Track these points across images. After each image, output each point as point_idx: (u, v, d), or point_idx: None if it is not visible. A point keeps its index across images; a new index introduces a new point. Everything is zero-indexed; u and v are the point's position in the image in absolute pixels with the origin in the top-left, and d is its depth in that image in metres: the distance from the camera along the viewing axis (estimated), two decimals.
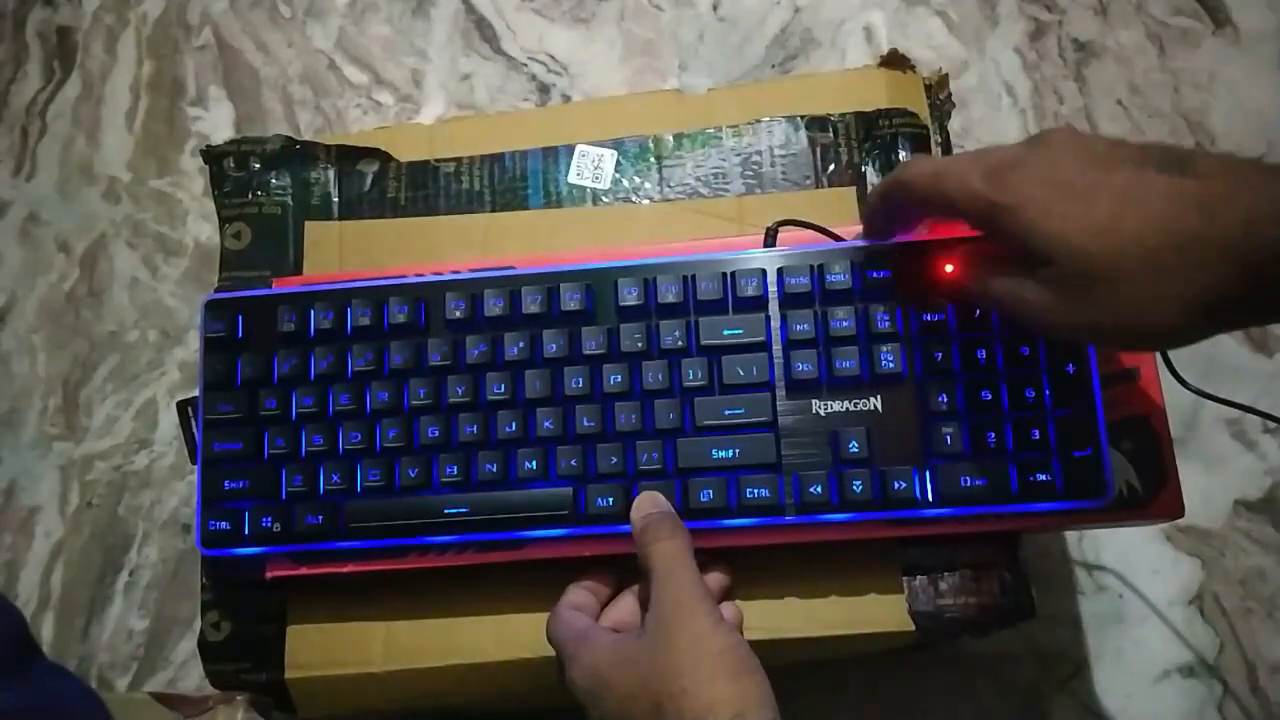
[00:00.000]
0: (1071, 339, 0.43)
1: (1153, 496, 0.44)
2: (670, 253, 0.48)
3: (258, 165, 0.55)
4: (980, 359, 0.43)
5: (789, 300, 0.45)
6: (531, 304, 0.46)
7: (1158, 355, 0.46)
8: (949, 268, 0.43)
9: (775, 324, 0.45)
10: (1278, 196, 0.29)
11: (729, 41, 0.73)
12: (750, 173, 0.53)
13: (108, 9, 0.79)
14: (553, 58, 0.74)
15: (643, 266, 0.46)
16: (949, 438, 0.43)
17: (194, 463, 0.48)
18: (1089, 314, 0.33)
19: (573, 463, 0.45)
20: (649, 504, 0.43)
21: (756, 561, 0.46)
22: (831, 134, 0.52)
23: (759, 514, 0.44)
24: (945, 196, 0.37)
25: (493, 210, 0.53)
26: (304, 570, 0.47)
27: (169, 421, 0.69)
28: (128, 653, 0.65)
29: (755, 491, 0.44)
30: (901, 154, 0.51)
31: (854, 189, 0.52)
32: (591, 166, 0.54)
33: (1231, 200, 0.30)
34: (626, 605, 0.44)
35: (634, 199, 0.53)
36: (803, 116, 0.53)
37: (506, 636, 0.47)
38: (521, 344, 0.46)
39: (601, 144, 0.54)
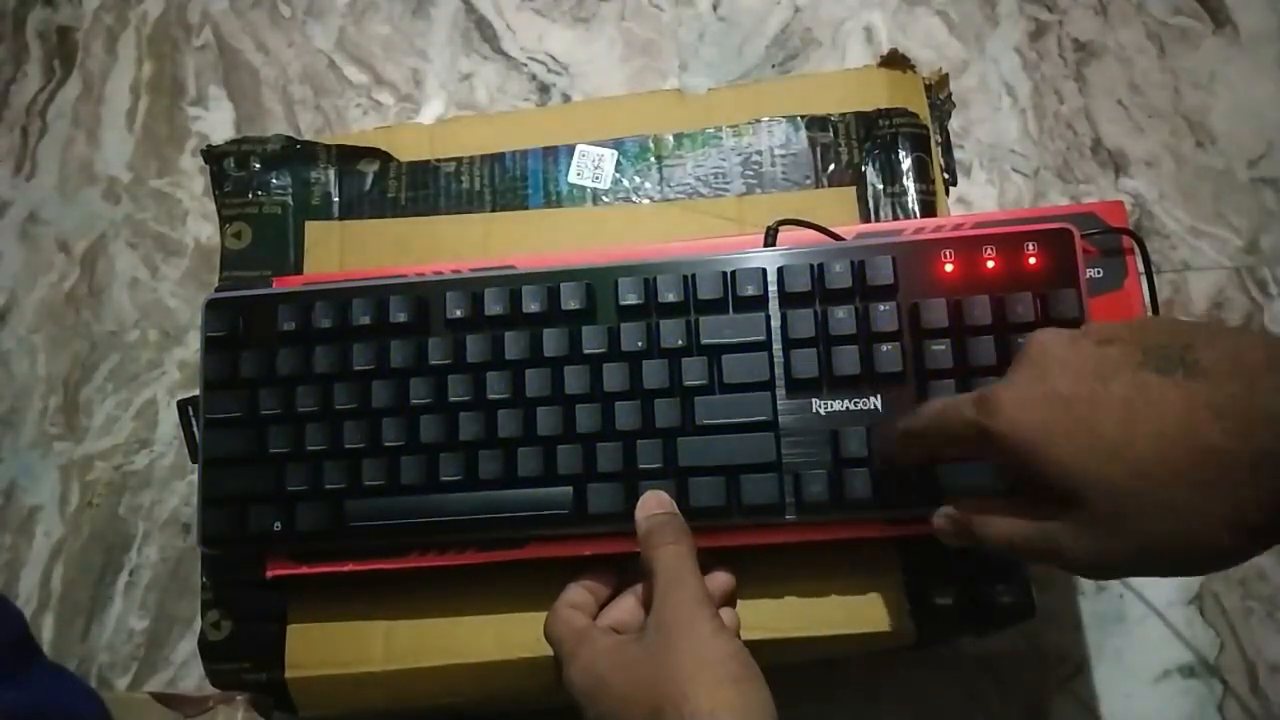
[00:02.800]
0: (1120, 578, 0.40)
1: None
2: (670, 252, 0.48)
3: (258, 165, 0.55)
4: (980, 358, 0.43)
5: (789, 300, 0.45)
6: (532, 303, 0.46)
7: None
8: (943, 524, 0.38)
9: (775, 323, 0.45)
10: None
11: (729, 41, 0.73)
12: (750, 172, 0.53)
13: (108, 9, 0.79)
14: (553, 58, 0.75)
15: (643, 266, 0.46)
16: None
17: (194, 462, 0.48)
18: (1135, 555, 0.29)
19: (573, 462, 0.45)
20: (655, 504, 0.43)
21: (756, 561, 0.46)
22: (831, 134, 0.52)
23: (759, 514, 0.44)
24: (947, 432, 0.35)
25: (493, 210, 0.53)
26: (304, 569, 0.47)
27: (169, 421, 0.69)
28: (128, 653, 0.65)
29: (755, 491, 0.44)
30: (901, 154, 0.51)
31: (854, 189, 0.52)
32: (592, 166, 0.54)
33: (1254, 406, 0.27)
34: (626, 605, 0.44)
35: (634, 199, 0.53)
36: (803, 116, 0.53)
37: (506, 636, 0.47)
38: (522, 343, 0.46)
39: (602, 144, 0.54)
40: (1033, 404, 0.31)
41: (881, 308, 0.44)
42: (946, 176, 0.53)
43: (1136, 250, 0.47)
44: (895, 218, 0.51)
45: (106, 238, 0.73)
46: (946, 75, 0.54)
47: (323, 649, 0.48)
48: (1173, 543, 0.29)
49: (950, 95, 0.54)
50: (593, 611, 0.44)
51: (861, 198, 0.51)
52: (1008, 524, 0.34)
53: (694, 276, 0.46)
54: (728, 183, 0.53)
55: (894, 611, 0.46)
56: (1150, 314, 0.33)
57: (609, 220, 0.53)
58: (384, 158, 0.54)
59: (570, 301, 0.46)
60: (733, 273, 0.46)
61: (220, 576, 0.49)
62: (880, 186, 0.51)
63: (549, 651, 0.43)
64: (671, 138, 0.54)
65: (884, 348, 0.44)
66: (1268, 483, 0.27)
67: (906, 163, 0.51)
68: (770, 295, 0.45)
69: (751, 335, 0.45)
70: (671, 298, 0.46)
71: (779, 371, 0.45)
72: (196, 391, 0.49)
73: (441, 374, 0.46)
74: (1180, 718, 0.59)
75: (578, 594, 0.44)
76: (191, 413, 0.49)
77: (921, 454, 0.40)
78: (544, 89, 0.74)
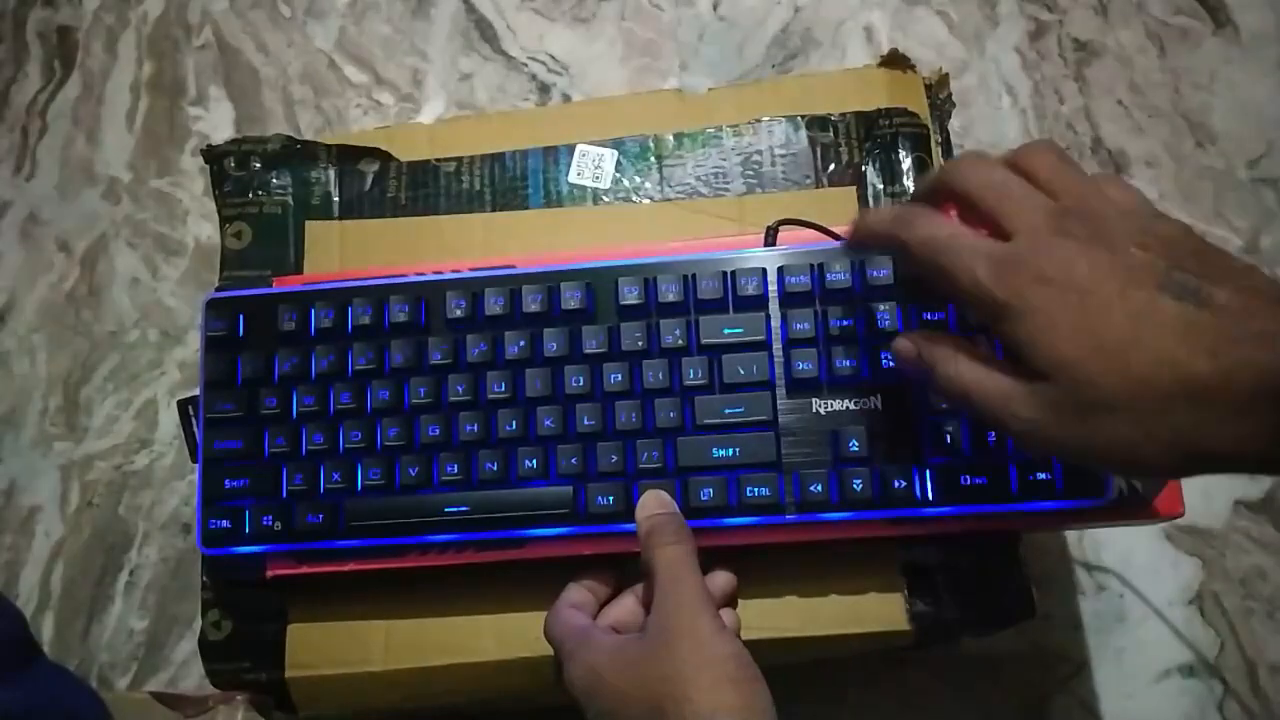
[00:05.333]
0: (1047, 455, 0.41)
1: (1153, 496, 0.44)
2: (670, 252, 0.48)
3: (258, 165, 0.55)
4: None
5: (789, 299, 0.45)
6: (532, 303, 0.46)
7: None
8: (906, 344, 0.38)
9: (775, 323, 0.45)
10: None
11: (729, 41, 0.73)
12: (750, 172, 0.53)
13: (108, 9, 0.79)
14: (553, 57, 0.75)
15: (643, 266, 0.46)
16: (949, 437, 0.43)
17: (194, 462, 0.48)
18: (1079, 440, 0.31)
19: (573, 461, 0.45)
20: (655, 504, 0.43)
21: (756, 561, 0.46)
22: (832, 134, 0.52)
23: (759, 513, 0.44)
24: (945, 276, 0.34)
25: (493, 210, 0.53)
26: (304, 569, 0.47)
27: (169, 421, 0.69)
28: (128, 652, 0.65)
29: (755, 490, 0.44)
30: (901, 153, 0.51)
31: (854, 189, 0.52)
32: (592, 166, 0.54)
33: (1246, 353, 0.28)
34: (626, 605, 0.44)
35: (634, 198, 0.53)
36: (803, 116, 0.53)
37: (506, 636, 0.47)
38: (522, 343, 0.46)
39: (602, 144, 0.54)
40: (1053, 289, 0.31)
41: (881, 307, 0.44)
42: None
43: None
44: None
45: (106, 238, 0.73)
46: (947, 75, 0.54)
47: (323, 649, 0.48)
48: (1121, 447, 0.30)
49: (950, 95, 0.54)
50: (593, 611, 0.44)
51: (862, 197, 0.51)
52: (971, 369, 0.34)
53: (694, 276, 0.46)
54: (728, 183, 0.53)
55: (894, 611, 0.46)
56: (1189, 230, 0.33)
57: (609, 220, 0.53)
58: (384, 157, 0.55)
59: (570, 301, 0.46)
60: (733, 273, 0.46)
61: (220, 576, 0.49)
62: (880, 186, 0.51)
63: (549, 651, 0.43)
64: (671, 138, 0.54)
65: (884, 348, 0.44)
66: (1234, 422, 0.29)
67: (907, 162, 0.51)
68: (770, 295, 0.45)
69: (751, 335, 0.45)
70: (671, 297, 0.46)
71: (779, 371, 0.45)
72: (196, 391, 0.49)
73: (441, 374, 0.46)
74: (1180, 718, 0.59)
75: (578, 594, 0.44)
76: (191, 413, 0.49)
77: (891, 249, 0.38)
78: (544, 89, 0.74)
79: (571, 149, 0.54)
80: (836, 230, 0.47)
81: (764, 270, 0.46)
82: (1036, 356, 0.31)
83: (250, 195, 0.54)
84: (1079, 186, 0.33)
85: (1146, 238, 0.32)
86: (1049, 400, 0.31)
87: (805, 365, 0.44)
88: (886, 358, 0.44)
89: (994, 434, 0.43)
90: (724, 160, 0.53)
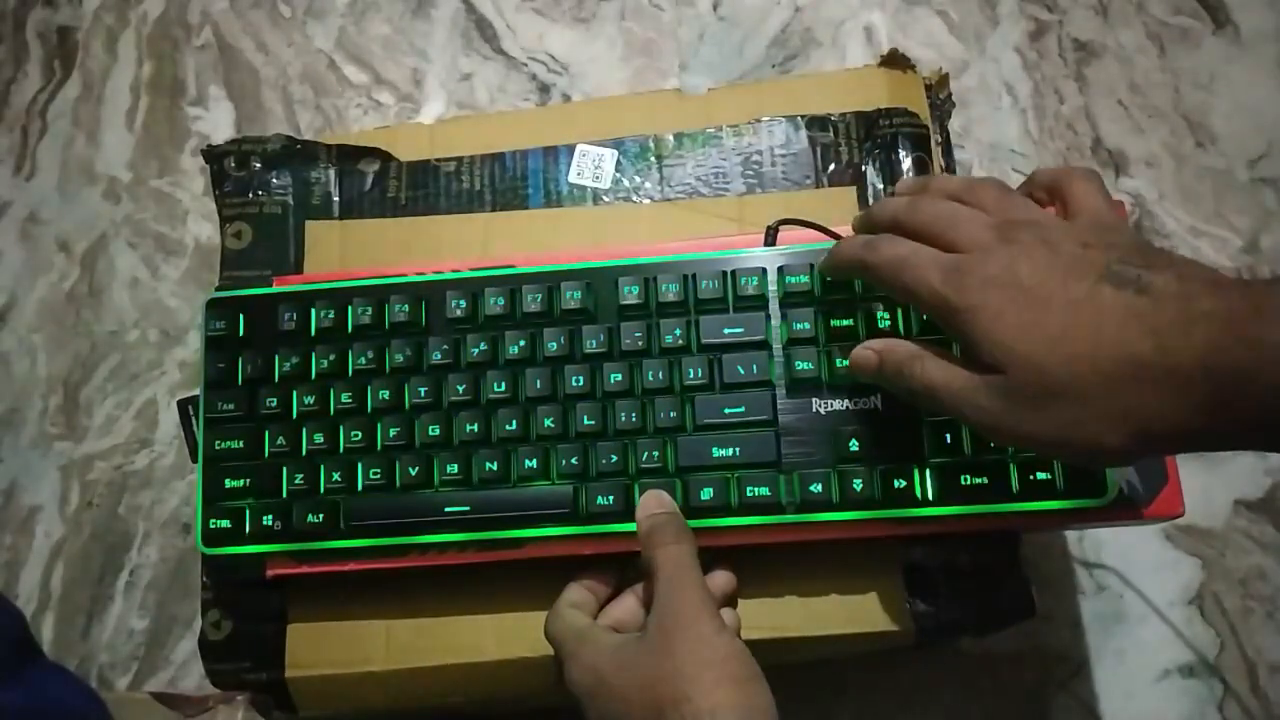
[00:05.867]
0: (1009, 445, 0.42)
1: (1153, 496, 0.44)
2: (670, 252, 0.48)
3: (258, 165, 0.55)
4: None
5: (789, 299, 0.45)
6: (532, 302, 0.46)
7: None
8: (867, 354, 0.39)
9: (775, 322, 0.45)
10: (1228, 335, 0.29)
11: (729, 41, 0.73)
12: (750, 172, 0.53)
13: (108, 9, 0.79)
14: (553, 57, 0.75)
15: (643, 265, 0.47)
16: (949, 436, 0.43)
17: (195, 462, 0.48)
18: (1034, 426, 0.33)
19: (573, 461, 0.45)
20: (655, 504, 0.43)
21: (756, 560, 0.46)
22: (832, 134, 0.52)
23: (759, 512, 0.44)
24: (905, 289, 0.36)
25: (493, 210, 0.53)
26: (304, 569, 0.47)
27: (169, 421, 0.69)
28: (128, 652, 0.65)
29: (755, 490, 0.44)
30: (901, 153, 0.51)
31: (854, 189, 0.52)
32: (592, 166, 0.54)
33: (1186, 331, 0.30)
34: (627, 605, 0.44)
35: (634, 198, 0.53)
36: (803, 116, 0.53)
37: (506, 636, 0.47)
38: (522, 342, 0.46)
39: (602, 143, 0.54)
40: (999, 288, 0.33)
41: (882, 307, 0.44)
42: None
43: None
44: None
45: (106, 238, 0.73)
46: (947, 75, 0.54)
47: (323, 649, 0.48)
48: (1075, 431, 0.32)
49: (950, 95, 0.54)
50: (593, 611, 0.44)
51: (862, 197, 0.51)
52: (935, 366, 0.36)
53: (694, 276, 0.46)
54: (728, 182, 0.53)
55: (894, 611, 0.46)
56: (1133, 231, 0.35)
57: (609, 220, 0.53)
58: (384, 157, 0.55)
59: (570, 301, 0.46)
60: (733, 272, 0.46)
61: (220, 576, 0.49)
62: (880, 186, 0.51)
63: (549, 651, 0.43)
64: (671, 138, 0.54)
65: None
66: (1176, 399, 0.30)
67: (907, 162, 0.51)
68: (770, 295, 0.45)
69: (752, 334, 0.45)
70: (671, 297, 0.46)
71: (779, 371, 0.45)
72: (196, 391, 0.49)
73: (441, 373, 0.46)
74: (1180, 718, 0.59)
75: (578, 593, 0.44)
76: (191, 412, 0.49)
77: (860, 274, 0.41)
78: (544, 89, 0.74)
79: (571, 149, 0.54)
80: (837, 230, 0.47)
81: (764, 270, 0.46)
82: (988, 350, 0.33)
83: (250, 195, 0.54)
84: (1025, 208, 0.37)
85: (1088, 237, 0.34)
86: (1004, 390, 0.33)
87: (805, 365, 0.44)
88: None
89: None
90: (724, 160, 0.53)
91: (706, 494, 0.44)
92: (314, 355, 0.47)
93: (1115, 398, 0.31)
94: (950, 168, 0.53)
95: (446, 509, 0.45)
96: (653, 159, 0.53)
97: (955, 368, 0.35)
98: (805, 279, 0.45)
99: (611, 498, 0.44)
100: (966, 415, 0.35)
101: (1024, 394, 0.33)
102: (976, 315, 0.33)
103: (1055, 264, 0.33)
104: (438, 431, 0.46)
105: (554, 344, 0.46)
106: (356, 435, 0.46)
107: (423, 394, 0.46)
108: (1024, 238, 0.34)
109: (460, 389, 0.46)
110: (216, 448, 0.47)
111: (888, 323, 0.44)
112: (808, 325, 0.45)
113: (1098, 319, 0.31)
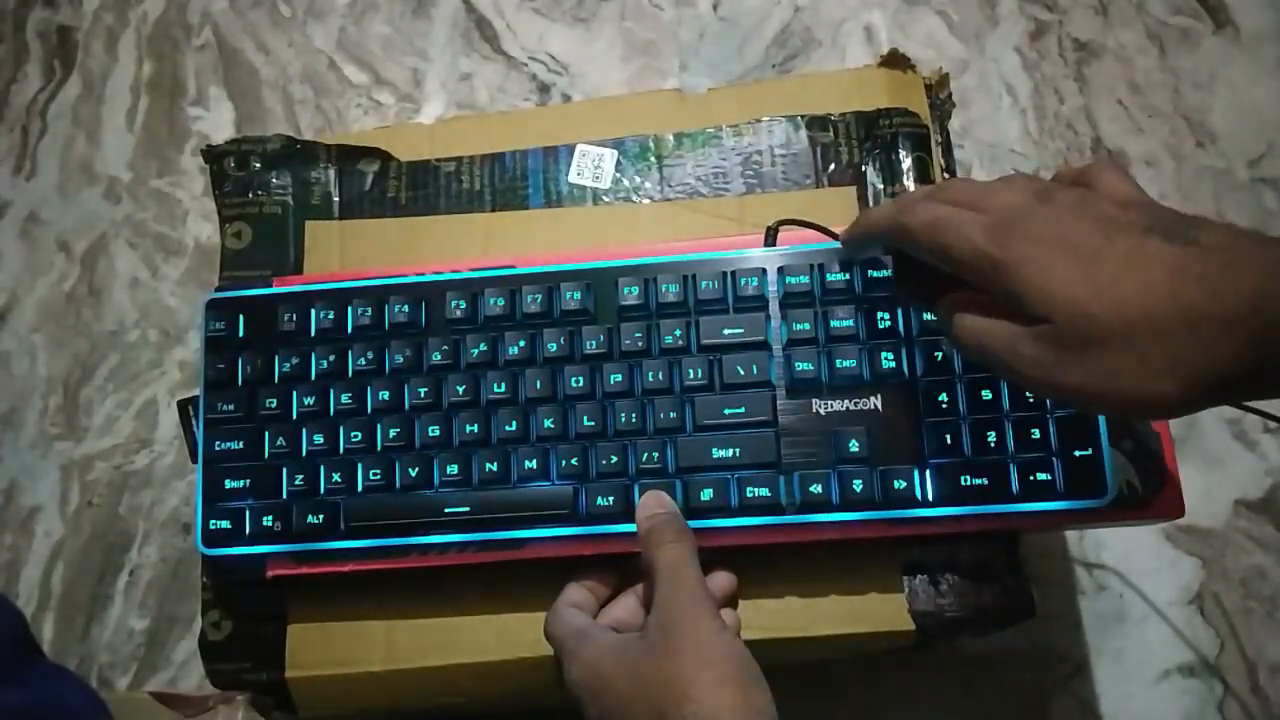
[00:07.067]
0: (1057, 399, 0.42)
1: (1153, 496, 0.44)
2: (670, 252, 0.48)
3: (258, 165, 0.55)
4: None
5: (789, 299, 0.45)
6: (531, 303, 0.46)
7: None
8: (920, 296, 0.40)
9: (775, 323, 0.45)
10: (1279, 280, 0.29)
11: (729, 41, 0.73)
12: (751, 172, 0.53)
13: (108, 9, 0.79)
14: (553, 57, 0.75)
15: (643, 266, 0.47)
16: (949, 437, 0.43)
17: (194, 462, 0.48)
18: (1081, 376, 0.32)
19: (572, 462, 0.45)
20: (655, 504, 0.43)
21: (756, 561, 0.46)
22: (832, 134, 0.52)
23: (759, 513, 0.44)
24: (944, 248, 0.35)
25: (493, 210, 0.53)
26: (304, 569, 0.47)
27: (169, 421, 0.69)
28: (128, 652, 0.65)
29: (755, 490, 0.44)
30: (901, 153, 0.51)
31: (854, 188, 0.52)
32: (592, 166, 0.54)
33: (1236, 276, 0.29)
34: (627, 605, 0.44)
35: (634, 198, 0.53)
36: (803, 116, 0.53)
37: (506, 636, 0.47)
38: (521, 343, 0.46)
39: (602, 143, 0.54)
40: (1042, 241, 0.33)
41: (882, 308, 0.44)
42: (947, 176, 0.53)
43: None
44: None
45: (106, 238, 0.73)
46: (947, 75, 0.54)
47: (323, 649, 0.48)
48: (1127, 381, 0.31)
49: (950, 95, 0.54)
50: (593, 611, 0.44)
51: (862, 197, 0.51)
52: (983, 322, 0.35)
53: (694, 276, 0.46)
54: (728, 183, 0.53)
55: (894, 611, 0.46)
56: None
57: (609, 220, 0.53)
58: (384, 157, 0.54)
59: (570, 301, 0.46)
60: (733, 273, 0.46)
61: (220, 576, 0.49)
62: (880, 186, 0.51)
63: (549, 651, 0.43)
64: (671, 137, 0.54)
65: (884, 348, 0.44)
66: (1230, 346, 0.29)
67: (907, 162, 0.51)
68: (770, 295, 0.45)
69: (751, 335, 0.45)
70: (671, 297, 0.46)
71: (779, 371, 0.45)
72: (196, 391, 0.49)
73: (441, 374, 0.46)
74: (1180, 718, 0.59)
75: (578, 593, 0.44)
76: (191, 413, 0.49)
77: (894, 239, 0.39)
78: (544, 89, 0.74)
79: (571, 149, 0.54)
80: (837, 230, 0.47)
81: (764, 270, 0.46)
82: (1036, 301, 0.33)
83: (250, 195, 0.54)
84: (1055, 185, 0.36)
85: (1125, 203, 0.34)
86: (1051, 338, 0.32)
87: (805, 366, 0.44)
88: (888, 357, 0.44)
89: (993, 433, 0.43)
90: (724, 160, 0.53)
91: (706, 495, 0.44)
92: (314, 356, 0.47)
93: (1165, 344, 0.30)
94: (950, 168, 0.53)
95: (446, 509, 0.45)
96: (653, 159, 0.53)
97: (1001, 320, 0.35)
98: (805, 279, 0.45)
99: (611, 498, 0.44)
100: (1011, 365, 0.34)
101: (1072, 341, 0.32)
102: (1023, 267, 0.33)
103: (1099, 221, 0.33)
104: (437, 432, 0.46)
105: (554, 344, 0.46)
106: (356, 436, 0.46)
107: (422, 394, 0.46)
108: (1063, 198, 0.34)
109: (460, 389, 0.46)
110: (216, 448, 0.47)
111: (888, 323, 0.44)
112: (808, 326, 0.45)
113: (1147, 268, 0.31)
